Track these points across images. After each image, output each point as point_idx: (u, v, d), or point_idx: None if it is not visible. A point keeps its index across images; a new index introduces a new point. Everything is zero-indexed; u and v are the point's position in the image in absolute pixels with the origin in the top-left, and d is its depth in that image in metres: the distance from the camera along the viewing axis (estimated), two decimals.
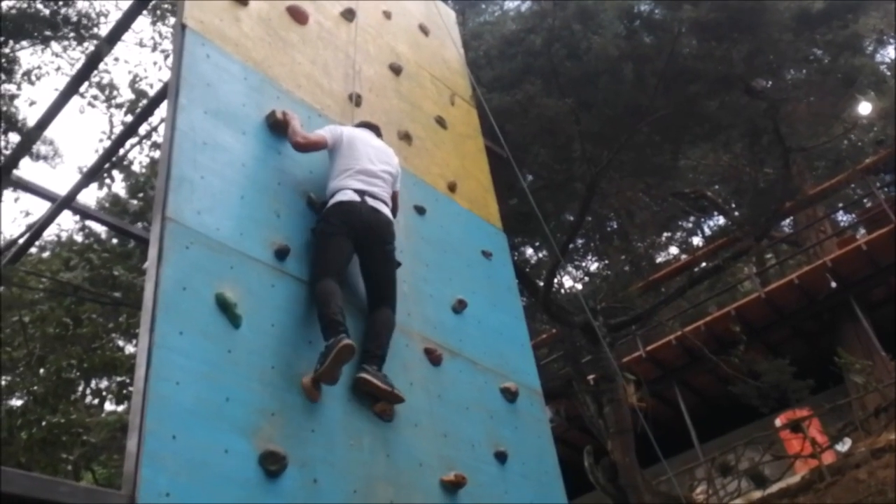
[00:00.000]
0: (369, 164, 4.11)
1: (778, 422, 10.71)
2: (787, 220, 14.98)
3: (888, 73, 10.73)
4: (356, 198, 3.92)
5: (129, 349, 11.40)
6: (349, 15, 5.63)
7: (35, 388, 9.44)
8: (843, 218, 15.85)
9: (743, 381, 9.45)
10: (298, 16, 5.06)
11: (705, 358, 10.58)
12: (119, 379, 11.46)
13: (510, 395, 4.45)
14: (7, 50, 9.14)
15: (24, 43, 9.25)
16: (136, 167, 10.90)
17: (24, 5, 8.65)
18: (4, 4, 8.47)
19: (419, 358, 4.11)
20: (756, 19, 8.13)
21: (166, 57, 10.79)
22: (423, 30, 6.70)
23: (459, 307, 4.61)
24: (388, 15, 6.25)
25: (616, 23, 8.48)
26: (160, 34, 10.77)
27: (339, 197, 3.92)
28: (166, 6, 10.16)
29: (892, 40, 11.46)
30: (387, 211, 4.05)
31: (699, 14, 8.02)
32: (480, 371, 4.43)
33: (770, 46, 8.54)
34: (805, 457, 9.43)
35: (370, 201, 3.96)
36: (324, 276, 3.66)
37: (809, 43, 9.16)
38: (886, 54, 11.82)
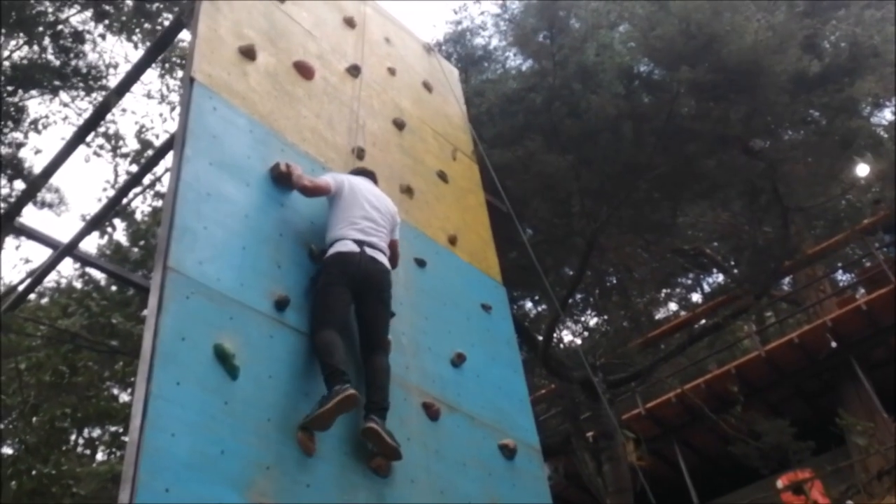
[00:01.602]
0: (369, 214, 4.18)
1: (779, 483, 10.55)
2: (787, 279, 14.99)
3: (885, 136, 10.86)
4: (355, 248, 3.97)
5: (124, 398, 11.30)
6: (354, 71, 5.75)
7: (27, 436, 9.33)
8: (842, 277, 15.86)
9: (743, 442, 9.34)
10: (305, 71, 5.16)
11: (705, 416, 10.48)
12: (112, 429, 11.34)
13: (508, 452, 4.40)
14: (16, 99, 9.28)
15: (34, 92, 9.39)
16: (138, 216, 10.98)
17: (35, 56, 8.82)
18: (15, 55, 8.63)
19: (417, 412, 4.08)
20: (753, 81, 8.28)
21: (173, 109, 10.96)
22: (427, 86, 6.83)
23: (458, 361, 4.59)
24: (392, 71, 6.38)
25: (615, 83, 8.62)
26: (168, 87, 10.96)
27: (339, 248, 3.96)
28: (175, 59, 10.35)
29: (888, 103, 11.65)
30: (384, 260, 4.10)
31: (697, 75, 8.16)
32: (479, 426, 4.39)
33: (767, 108, 8.67)
34: None
35: (369, 251, 4.01)
36: (325, 327, 3.68)
37: (806, 105, 9.29)
38: (883, 117, 11.98)
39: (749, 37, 8.07)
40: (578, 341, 13.79)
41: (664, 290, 15.75)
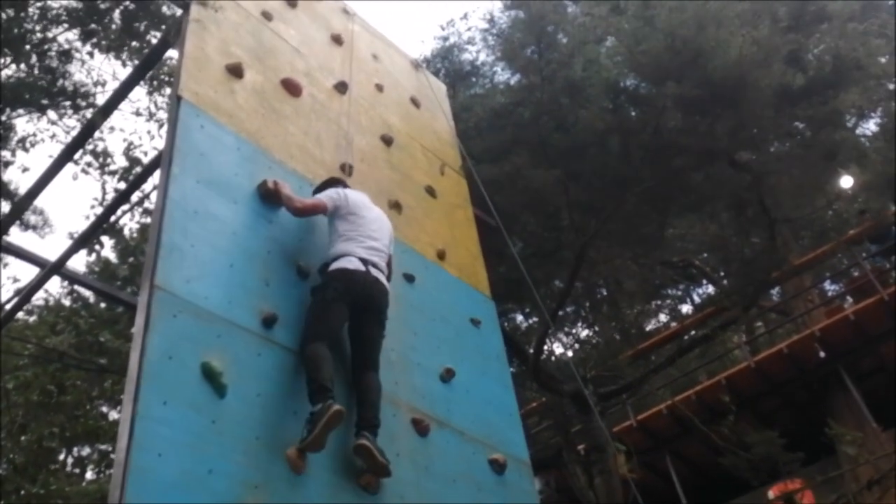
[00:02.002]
0: (372, 233, 4.19)
1: (770, 494, 10.56)
2: (775, 290, 15.06)
3: (869, 147, 10.96)
4: (361, 267, 3.98)
5: (113, 415, 11.23)
6: (342, 88, 5.78)
7: (15, 456, 9.25)
8: (830, 287, 15.94)
9: (733, 453, 9.35)
10: (292, 88, 5.19)
11: (696, 428, 10.48)
12: (101, 447, 11.26)
13: (498, 467, 4.41)
14: (4, 118, 9.25)
15: (21, 111, 9.36)
16: (126, 233, 10.93)
17: (23, 74, 8.81)
18: (4, 73, 8.62)
19: (406, 428, 4.08)
20: (739, 95, 8.34)
21: (161, 126, 10.94)
22: (415, 102, 6.87)
23: (447, 376, 4.60)
24: (380, 88, 6.41)
25: (602, 97, 8.67)
26: (156, 104, 10.94)
27: (345, 263, 3.96)
28: (164, 77, 10.35)
29: (872, 115, 11.76)
30: (385, 281, 4.13)
31: (683, 90, 8.22)
32: (468, 442, 4.39)
33: (753, 121, 8.74)
34: None
35: (373, 271, 4.03)
36: (317, 340, 3.68)
37: (791, 118, 9.37)
38: (867, 128, 12.10)
39: (734, 51, 8.15)
40: (570, 354, 13.80)
41: (654, 302, 15.80)
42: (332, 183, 4.54)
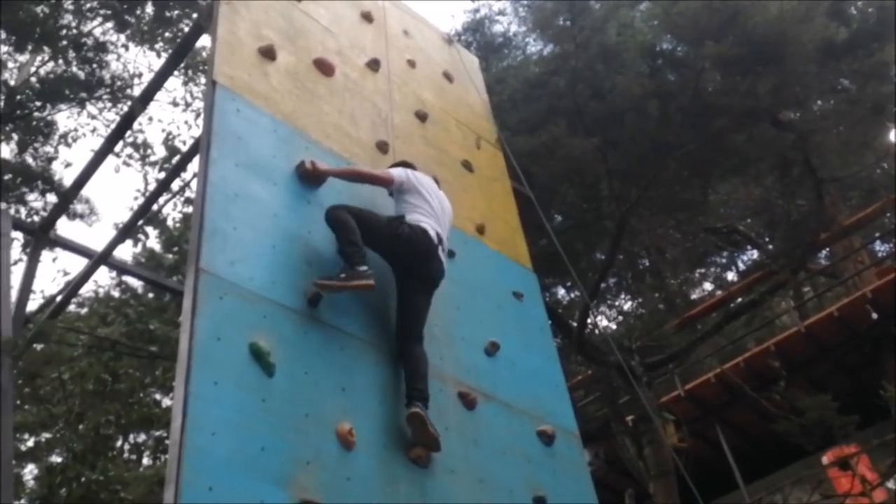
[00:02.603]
0: (440, 215, 4.25)
1: (825, 459, 10.39)
2: (824, 252, 14.73)
3: None
4: (436, 240, 4.06)
5: (166, 402, 11.48)
6: (375, 65, 5.74)
7: (74, 444, 9.52)
8: (880, 248, 15.53)
9: (785, 419, 9.21)
10: (325, 68, 5.17)
11: (746, 395, 10.35)
12: (156, 434, 11.53)
13: (547, 438, 4.39)
14: (44, 113, 9.42)
15: (62, 106, 9.52)
16: (169, 222, 11.10)
17: (61, 70, 8.94)
18: (42, 69, 8.78)
19: (453, 402, 4.07)
20: (780, 52, 8.11)
21: (197, 116, 11.06)
22: (448, 77, 6.81)
23: (492, 350, 4.58)
24: (412, 64, 6.36)
25: (639, 62, 8.52)
26: (191, 94, 11.05)
27: (427, 228, 4.04)
28: (199, 65, 10.43)
29: None
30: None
31: (722, 50, 8.02)
32: (516, 414, 4.38)
33: (795, 78, 8.51)
34: (855, 495, 9.10)
35: (441, 253, 4.12)
36: (346, 211, 3.88)
37: (835, 73, 9.10)
38: None
39: (773, 7, 7.93)
40: (613, 326, 13.71)
41: (698, 270, 15.59)
42: (399, 165, 4.57)
